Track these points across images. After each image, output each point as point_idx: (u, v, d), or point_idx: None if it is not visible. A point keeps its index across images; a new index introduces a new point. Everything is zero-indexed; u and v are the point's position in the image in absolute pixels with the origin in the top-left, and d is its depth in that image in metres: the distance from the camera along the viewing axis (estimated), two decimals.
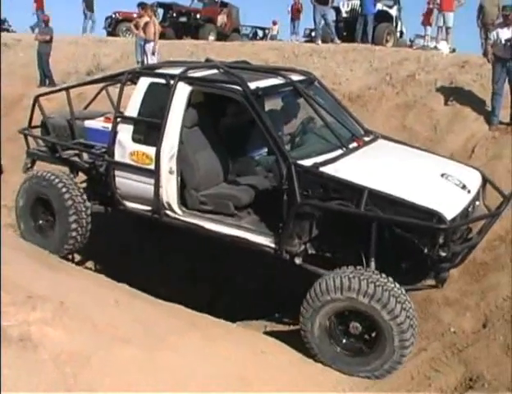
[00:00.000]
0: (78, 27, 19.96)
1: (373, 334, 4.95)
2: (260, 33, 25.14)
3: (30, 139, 7.39)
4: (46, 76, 14.98)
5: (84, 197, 6.58)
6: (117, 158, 6.23)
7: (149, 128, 6.09)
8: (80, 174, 7.15)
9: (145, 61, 13.79)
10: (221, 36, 20.17)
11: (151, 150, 5.94)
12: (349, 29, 16.80)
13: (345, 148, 5.75)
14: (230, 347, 4.92)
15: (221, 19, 20.97)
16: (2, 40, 16.73)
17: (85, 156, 6.84)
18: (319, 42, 15.43)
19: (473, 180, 5.84)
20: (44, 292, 4.54)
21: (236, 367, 4.60)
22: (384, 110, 10.41)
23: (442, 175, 5.55)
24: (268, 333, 5.93)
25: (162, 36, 16.92)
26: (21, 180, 6.98)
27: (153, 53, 13.73)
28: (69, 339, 4.10)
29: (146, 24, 13.88)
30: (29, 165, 7.28)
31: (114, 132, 6.28)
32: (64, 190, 6.46)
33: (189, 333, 4.94)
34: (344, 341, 5.08)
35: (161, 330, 4.81)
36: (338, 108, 6.60)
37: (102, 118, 7.13)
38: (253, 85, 5.75)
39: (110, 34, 20.88)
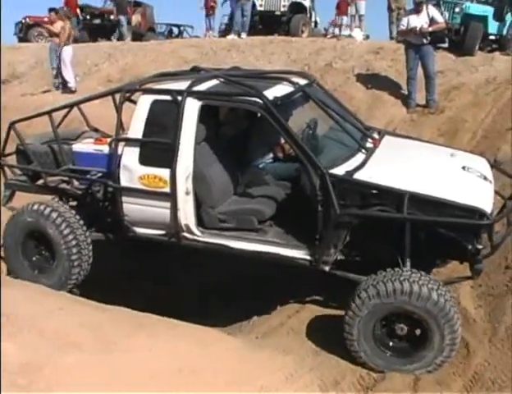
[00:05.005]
0: None
1: (418, 331, 4.89)
2: (175, 30, 25.00)
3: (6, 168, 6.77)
4: None
5: (84, 227, 6.15)
6: (124, 183, 5.81)
7: (159, 149, 5.70)
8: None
9: (61, 67, 13.61)
10: (137, 36, 19.98)
11: (164, 172, 5.59)
12: (264, 22, 17.08)
13: (364, 150, 5.64)
14: (176, 342, 4.98)
15: (136, 18, 20.73)
16: None
17: (76, 182, 6.33)
18: (236, 36, 15.62)
19: (486, 168, 5.87)
20: None
21: (184, 360, 4.65)
22: None
23: (463, 168, 5.56)
24: (213, 326, 6.01)
25: (76, 39, 16.71)
26: None
27: (68, 58, 13.56)
28: (19, 350, 4.10)
29: (60, 28, 13.68)
30: (7, 197, 6.72)
31: (116, 155, 5.87)
32: (62, 221, 6.02)
33: (136, 333, 4.97)
34: (391, 343, 4.98)
35: (108, 333, 4.83)
36: (341, 108, 6.42)
37: (91, 140, 6.60)
38: (269, 95, 5.46)
39: (21, 39, 20.40)
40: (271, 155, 6.46)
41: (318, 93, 6.28)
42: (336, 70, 11.85)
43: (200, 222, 5.74)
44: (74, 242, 6.03)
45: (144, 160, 5.72)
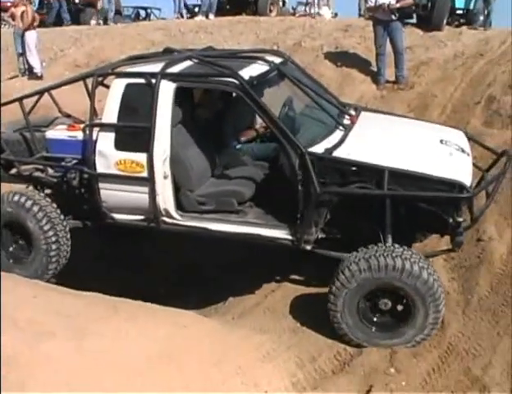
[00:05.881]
0: None
1: (401, 307, 4.93)
2: (143, 13, 24.64)
3: None
4: None
5: (61, 215, 6.04)
6: (100, 169, 5.72)
7: (135, 133, 5.62)
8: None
9: (26, 53, 13.39)
10: (103, 20, 19.69)
11: (141, 157, 5.52)
12: (231, 2, 16.97)
13: (342, 127, 5.62)
14: (154, 326, 4.94)
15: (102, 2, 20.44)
16: None
17: (50, 170, 6.22)
18: (204, 17, 15.50)
19: (464, 141, 5.88)
20: None
21: (161, 344, 4.65)
22: None
23: (441, 141, 5.57)
24: (189, 308, 6.00)
25: (42, 24, 16.42)
26: None
27: (33, 43, 13.32)
28: None
29: (22, 13, 13.41)
30: None
31: (91, 141, 5.77)
32: (39, 210, 5.91)
33: (113, 317, 4.92)
34: (374, 318, 5.02)
35: (84, 319, 4.79)
36: (316, 85, 6.36)
37: (64, 127, 6.45)
38: (244, 75, 5.41)
39: None
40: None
41: (293, 71, 6.26)
42: (305, 48, 11.80)
43: (179, 206, 5.69)
44: (54, 238, 5.96)
45: (120, 145, 5.65)
